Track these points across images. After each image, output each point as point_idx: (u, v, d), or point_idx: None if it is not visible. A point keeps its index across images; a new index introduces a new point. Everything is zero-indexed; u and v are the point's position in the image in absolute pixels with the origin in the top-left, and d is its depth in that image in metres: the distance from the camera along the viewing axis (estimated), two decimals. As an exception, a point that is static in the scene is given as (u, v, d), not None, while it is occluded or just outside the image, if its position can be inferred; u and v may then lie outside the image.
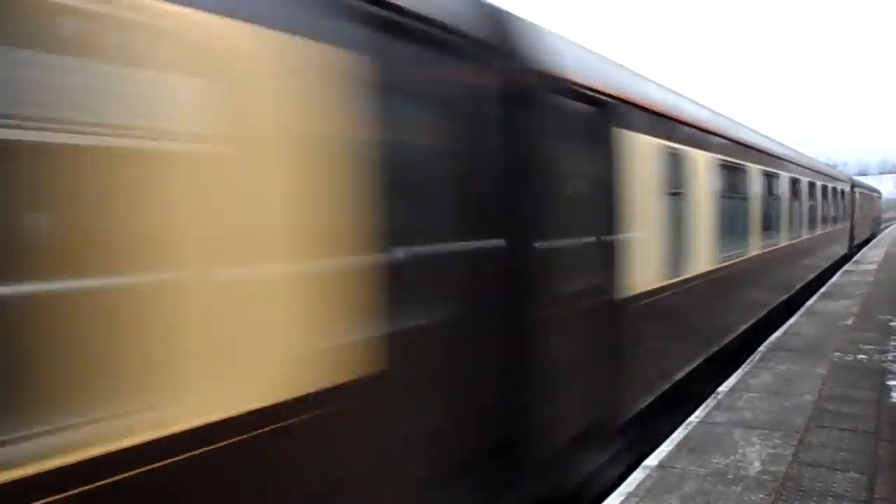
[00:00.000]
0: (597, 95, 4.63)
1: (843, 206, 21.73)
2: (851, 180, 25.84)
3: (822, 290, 14.54)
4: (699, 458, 4.98)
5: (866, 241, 33.93)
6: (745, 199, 9.15)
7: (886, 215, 73.47)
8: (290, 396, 2.30)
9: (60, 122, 1.75)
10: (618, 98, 4.96)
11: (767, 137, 12.04)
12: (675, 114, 6.43)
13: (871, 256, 23.35)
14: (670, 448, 5.20)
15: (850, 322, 10.39)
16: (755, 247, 9.62)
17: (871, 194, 37.69)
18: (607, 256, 4.81)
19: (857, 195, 27.66)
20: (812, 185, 14.71)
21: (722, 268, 7.83)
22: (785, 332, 9.82)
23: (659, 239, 5.78)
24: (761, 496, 4.28)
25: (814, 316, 11.16)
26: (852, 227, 25.12)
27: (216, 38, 2.09)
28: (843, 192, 21.34)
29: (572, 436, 4.26)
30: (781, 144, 13.31)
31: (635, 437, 5.47)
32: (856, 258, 23.14)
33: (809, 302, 12.83)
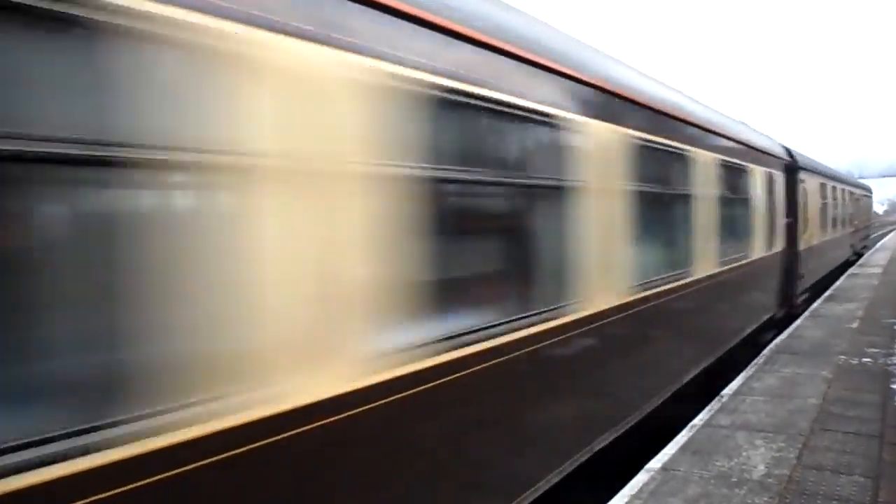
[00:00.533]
0: None
1: (767, 209, 10.04)
2: (792, 157, 12.25)
3: (827, 293, 14.49)
4: (703, 460, 4.97)
5: (841, 269, 19.58)
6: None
7: (891, 218, 72.93)
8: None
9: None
10: None
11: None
12: None
13: (877, 259, 23.15)
14: (674, 451, 5.19)
15: (855, 325, 10.35)
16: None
17: (852, 192, 23.20)
18: None
19: (808, 190, 13.54)
20: (637, 150, 5.12)
21: None
22: (790, 336, 9.78)
23: None
24: (765, 499, 4.26)
25: (818, 319, 11.13)
26: (794, 257, 12.22)
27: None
28: (763, 178, 9.72)
29: None
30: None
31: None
32: (860, 261, 22.35)
33: (814, 305, 12.79)
